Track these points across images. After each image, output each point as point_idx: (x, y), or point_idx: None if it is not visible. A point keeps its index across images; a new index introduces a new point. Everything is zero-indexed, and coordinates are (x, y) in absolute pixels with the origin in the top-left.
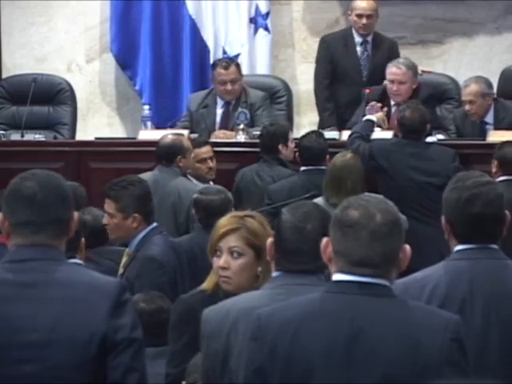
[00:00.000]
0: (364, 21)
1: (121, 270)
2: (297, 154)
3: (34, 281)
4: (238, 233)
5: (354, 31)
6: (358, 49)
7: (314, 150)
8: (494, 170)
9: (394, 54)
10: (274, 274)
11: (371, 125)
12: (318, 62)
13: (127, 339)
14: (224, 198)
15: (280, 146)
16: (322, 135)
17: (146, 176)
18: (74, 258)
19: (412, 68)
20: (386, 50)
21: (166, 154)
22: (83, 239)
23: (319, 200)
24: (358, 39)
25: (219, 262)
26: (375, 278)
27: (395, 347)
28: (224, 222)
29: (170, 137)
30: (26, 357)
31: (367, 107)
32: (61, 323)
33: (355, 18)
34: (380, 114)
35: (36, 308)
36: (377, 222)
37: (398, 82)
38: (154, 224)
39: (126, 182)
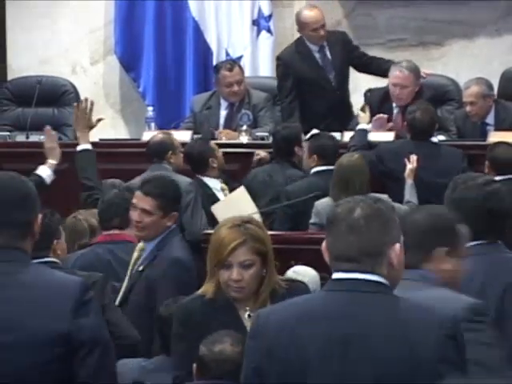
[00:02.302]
0: (321, 32)
1: (139, 268)
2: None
3: None
4: (245, 246)
5: (305, 41)
6: (317, 55)
7: (332, 150)
8: (486, 170)
9: (348, 45)
10: None
11: (365, 134)
12: (278, 80)
13: (93, 339)
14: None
15: (296, 149)
16: (332, 136)
17: (140, 178)
18: (47, 257)
19: (414, 71)
20: (340, 46)
21: (156, 151)
22: (59, 240)
23: (326, 200)
24: (313, 47)
25: (231, 275)
26: (363, 273)
27: (390, 346)
28: (229, 235)
29: (159, 135)
30: None
31: (373, 119)
32: (21, 324)
33: (311, 33)
34: (361, 107)
35: None
36: (354, 216)
37: (400, 86)
38: (174, 225)
39: (164, 180)
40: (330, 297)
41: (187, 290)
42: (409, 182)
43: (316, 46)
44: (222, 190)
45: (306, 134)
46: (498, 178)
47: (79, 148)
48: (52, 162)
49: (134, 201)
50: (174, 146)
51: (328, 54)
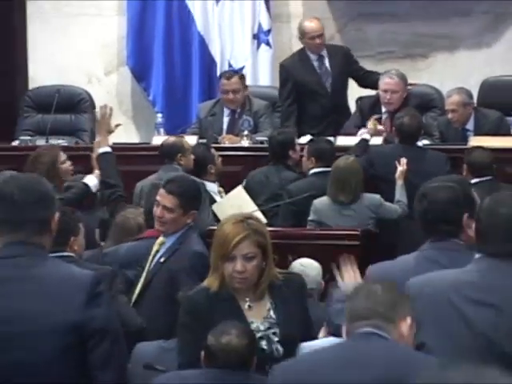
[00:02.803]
0: (317, 41)
1: (161, 259)
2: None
3: (10, 276)
4: (248, 239)
5: (307, 51)
6: (315, 64)
7: (329, 153)
8: (464, 173)
9: (349, 59)
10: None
11: (366, 144)
12: (280, 86)
13: (104, 329)
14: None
15: (290, 152)
16: (329, 140)
17: (152, 177)
18: (64, 251)
19: (403, 78)
20: (341, 58)
21: (168, 152)
22: (77, 237)
23: (324, 198)
24: (313, 56)
25: (235, 266)
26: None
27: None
28: (233, 230)
29: (172, 138)
30: (3, 347)
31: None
32: (37, 314)
33: (309, 41)
34: (372, 123)
35: (11, 302)
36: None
37: (391, 91)
38: (192, 223)
39: (186, 180)
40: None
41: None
42: (399, 183)
43: (315, 54)
44: (219, 192)
45: (301, 135)
46: (474, 180)
47: (101, 151)
48: (98, 172)
49: (158, 198)
50: (185, 148)
51: (326, 62)
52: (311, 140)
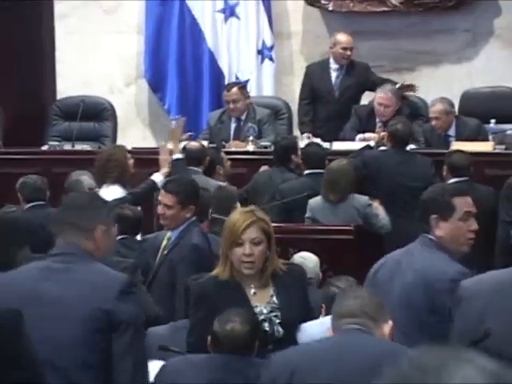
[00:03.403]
0: (348, 53)
1: (165, 252)
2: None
3: (60, 268)
4: (256, 225)
5: (331, 60)
6: (334, 74)
7: (316, 157)
8: (444, 173)
9: (368, 73)
10: None
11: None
12: (301, 85)
13: (128, 322)
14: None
15: (293, 156)
16: (320, 145)
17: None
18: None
19: (396, 94)
20: (357, 73)
21: (195, 158)
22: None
23: (318, 198)
24: (334, 66)
25: (244, 250)
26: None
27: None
28: (240, 217)
29: (196, 144)
30: (48, 325)
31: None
32: (75, 300)
33: (340, 50)
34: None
35: (56, 287)
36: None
37: (384, 106)
38: (193, 218)
39: (183, 180)
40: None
41: (202, 271)
42: (374, 205)
43: (337, 64)
44: None
45: (315, 133)
46: (454, 180)
47: (174, 157)
48: (164, 170)
49: (160, 197)
50: (208, 154)
51: (343, 74)
52: (306, 144)
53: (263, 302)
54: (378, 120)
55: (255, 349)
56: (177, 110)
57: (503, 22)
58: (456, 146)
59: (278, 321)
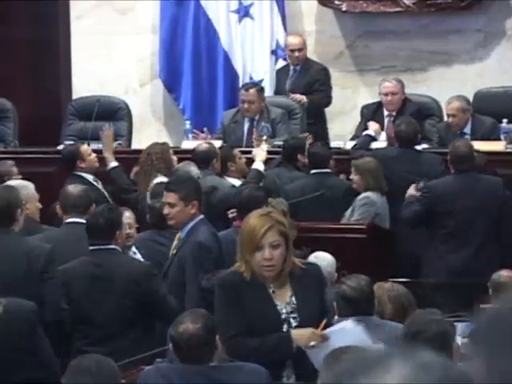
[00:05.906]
0: (296, 54)
1: (173, 251)
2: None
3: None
4: (274, 229)
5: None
6: (290, 74)
7: (320, 157)
8: (449, 163)
9: (318, 76)
10: None
11: (369, 139)
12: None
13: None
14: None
15: (299, 156)
16: (326, 144)
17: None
18: (109, 245)
19: (400, 82)
20: (311, 74)
21: (203, 159)
22: (120, 231)
23: (375, 195)
24: (291, 67)
25: (264, 254)
26: None
27: None
28: (259, 222)
29: (204, 145)
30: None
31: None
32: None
33: (289, 53)
34: (376, 128)
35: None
36: None
37: (391, 93)
38: (201, 216)
39: (183, 177)
40: None
41: (207, 267)
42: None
43: (292, 65)
44: None
45: None
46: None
47: (111, 165)
48: (260, 158)
49: (163, 199)
50: (217, 154)
51: (296, 74)
52: (311, 144)
53: (283, 301)
54: (385, 114)
55: (217, 344)
56: (191, 110)
57: None
58: None
59: (295, 324)
